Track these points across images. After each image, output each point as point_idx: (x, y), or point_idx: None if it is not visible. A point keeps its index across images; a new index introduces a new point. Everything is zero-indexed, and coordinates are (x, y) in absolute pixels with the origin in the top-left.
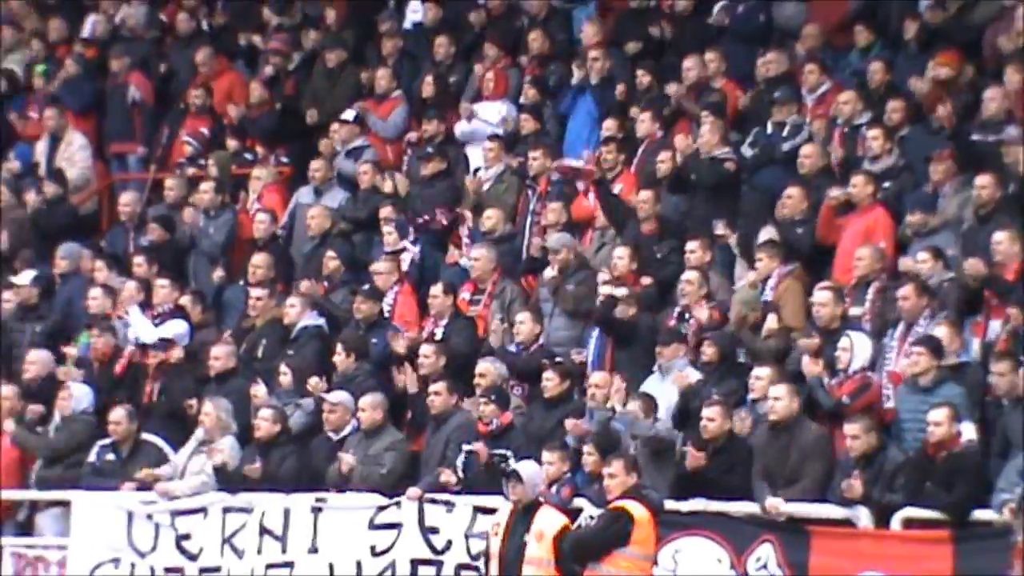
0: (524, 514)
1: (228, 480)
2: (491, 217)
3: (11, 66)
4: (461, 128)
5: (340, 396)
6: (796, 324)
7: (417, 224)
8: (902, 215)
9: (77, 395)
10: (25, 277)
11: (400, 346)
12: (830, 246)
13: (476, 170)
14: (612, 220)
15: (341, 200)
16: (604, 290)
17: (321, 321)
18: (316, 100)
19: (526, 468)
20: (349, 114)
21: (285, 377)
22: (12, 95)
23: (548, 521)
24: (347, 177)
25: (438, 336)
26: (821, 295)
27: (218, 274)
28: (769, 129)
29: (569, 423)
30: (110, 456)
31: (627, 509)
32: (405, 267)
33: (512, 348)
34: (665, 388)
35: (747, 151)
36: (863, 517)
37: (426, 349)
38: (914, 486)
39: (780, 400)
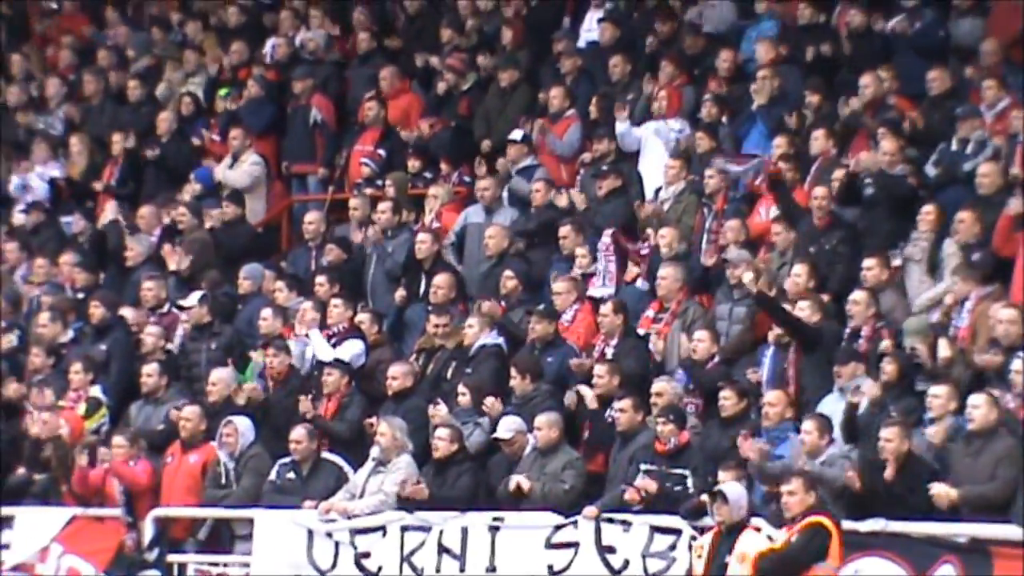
0: (728, 535)
1: (407, 502)
2: (669, 235)
3: (193, 89)
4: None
5: (512, 425)
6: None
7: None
8: None
9: (242, 430)
10: (192, 298)
11: (578, 368)
12: (1008, 259)
13: (657, 190)
14: (787, 217)
15: (512, 218)
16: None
17: (500, 340)
18: (489, 120)
19: (732, 489)
20: (517, 134)
21: (464, 397)
22: (194, 118)
23: (751, 542)
24: (519, 196)
25: (608, 355)
26: (1005, 312)
27: (399, 294)
28: (954, 146)
29: (743, 444)
30: (291, 475)
31: (823, 523)
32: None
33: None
34: (843, 408)
35: (931, 170)
36: None
37: (600, 369)
38: None
39: (978, 409)
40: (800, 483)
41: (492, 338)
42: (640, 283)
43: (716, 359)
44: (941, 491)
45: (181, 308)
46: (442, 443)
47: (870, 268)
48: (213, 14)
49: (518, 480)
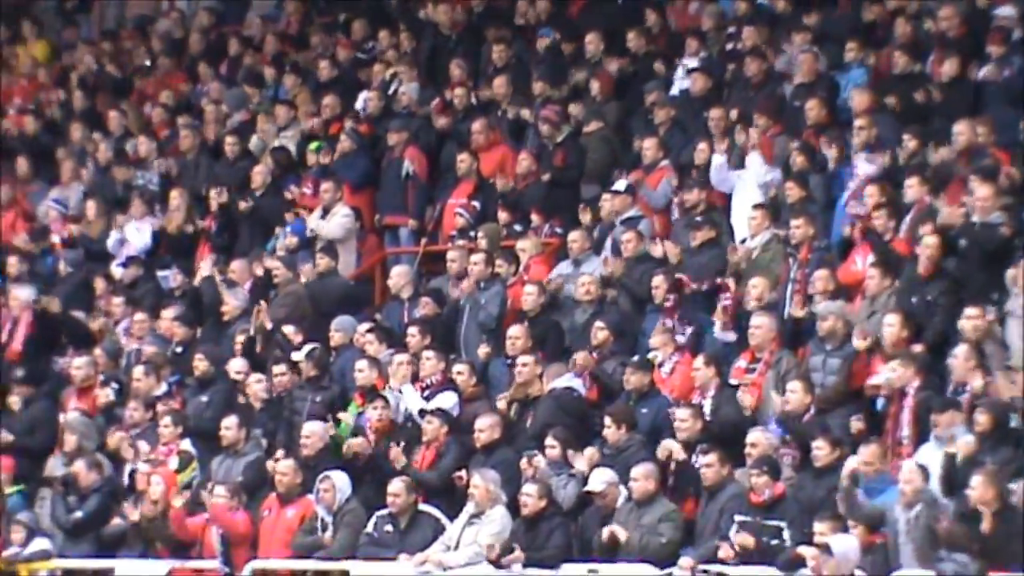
0: None
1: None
2: (760, 285)
3: (285, 143)
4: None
5: (605, 477)
6: None
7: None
8: None
9: (339, 485)
10: (301, 352)
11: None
12: None
13: (743, 240)
14: (884, 265)
15: (602, 271)
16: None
17: (577, 383)
18: (583, 171)
19: (840, 543)
20: (621, 184)
21: (553, 450)
22: (286, 172)
23: None
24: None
25: (706, 408)
26: None
27: (483, 349)
28: None
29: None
30: (388, 527)
31: None
32: (682, 339)
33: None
34: (940, 458)
35: None
36: None
37: (682, 413)
38: None
39: None
40: None
41: (568, 380)
42: (722, 333)
43: (811, 411)
44: None
45: (289, 361)
46: (530, 499)
47: (971, 317)
48: (306, 69)
49: (613, 529)
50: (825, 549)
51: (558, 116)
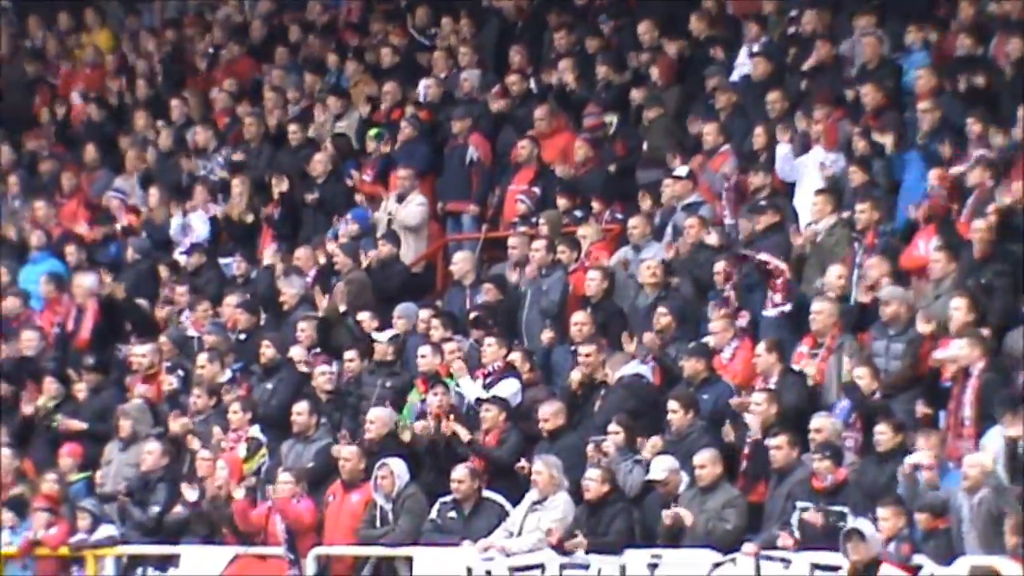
0: (864, 574)
1: (560, 551)
2: (832, 273)
3: (343, 130)
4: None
5: (666, 465)
6: None
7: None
8: None
9: (397, 472)
10: (384, 335)
11: (738, 406)
12: None
13: (809, 224)
14: (949, 248)
15: (660, 256)
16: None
17: (644, 369)
18: (643, 157)
19: (869, 527)
20: (682, 170)
21: (617, 436)
22: (346, 159)
23: None
24: (682, 232)
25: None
26: None
27: (547, 335)
28: None
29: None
30: (452, 514)
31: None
32: (742, 323)
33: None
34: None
35: None
36: None
37: (758, 397)
38: None
39: None
40: None
41: (635, 367)
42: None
43: (876, 395)
44: None
45: (362, 348)
46: (593, 484)
47: None
48: (367, 55)
49: (678, 510)
50: (856, 534)
51: (604, 106)
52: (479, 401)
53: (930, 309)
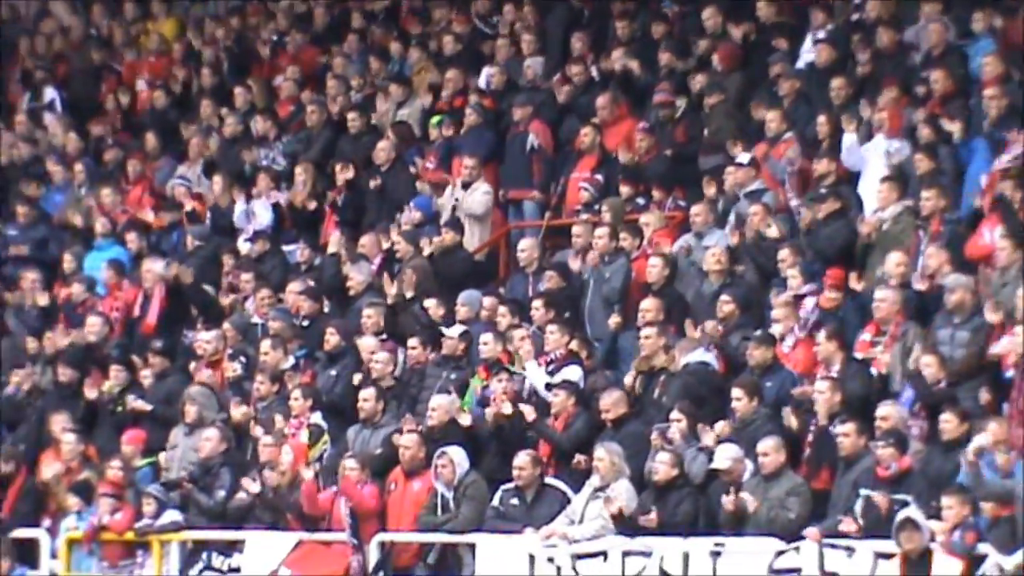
0: (918, 562)
1: (625, 525)
2: (887, 259)
3: (406, 117)
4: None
5: (730, 453)
6: None
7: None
8: None
9: (457, 460)
10: (455, 330)
11: (801, 395)
12: None
13: (875, 212)
14: (1015, 235)
15: (724, 243)
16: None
17: (709, 357)
18: (706, 144)
19: (922, 516)
20: (744, 157)
21: (680, 424)
22: (408, 146)
23: (944, 568)
24: (745, 220)
25: None
26: None
27: (614, 320)
28: None
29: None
30: (514, 501)
31: None
32: (804, 312)
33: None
34: None
35: None
36: None
37: (821, 385)
38: None
39: None
40: None
41: (700, 355)
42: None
43: (941, 384)
44: None
45: (425, 337)
46: (663, 467)
47: None
48: (430, 42)
49: (742, 496)
50: (910, 524)
51: (671, 95)
52: (548, 387)
53: (998, 297)
